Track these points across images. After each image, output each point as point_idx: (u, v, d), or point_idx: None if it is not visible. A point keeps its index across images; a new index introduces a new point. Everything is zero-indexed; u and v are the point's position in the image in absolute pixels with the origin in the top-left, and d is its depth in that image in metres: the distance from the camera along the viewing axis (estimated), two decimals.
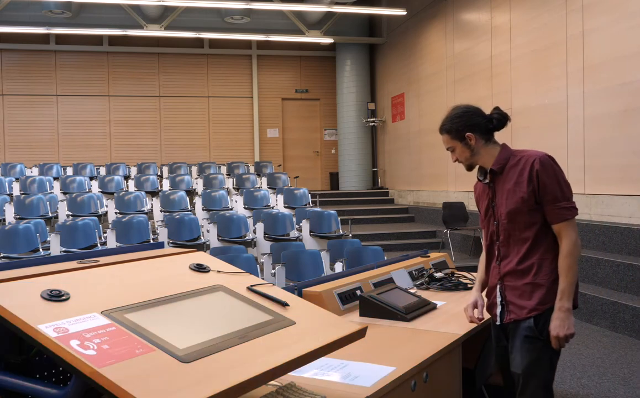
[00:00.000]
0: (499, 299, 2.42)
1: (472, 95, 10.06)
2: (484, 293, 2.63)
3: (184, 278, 1.80)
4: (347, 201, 13.01)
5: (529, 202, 2.29)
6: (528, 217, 2.31)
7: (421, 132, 12.31)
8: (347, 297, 2.98)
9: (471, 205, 10.14)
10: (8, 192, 9.92)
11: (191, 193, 10.77)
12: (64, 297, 1.45)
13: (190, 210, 9.29)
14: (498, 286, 2.42)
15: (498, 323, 2.43)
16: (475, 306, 2.60)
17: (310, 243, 7.90)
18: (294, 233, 8.18)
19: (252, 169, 13.26)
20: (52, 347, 1.26)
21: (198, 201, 9.58)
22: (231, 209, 9.39)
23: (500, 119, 2.42)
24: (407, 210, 12.17)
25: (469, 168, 2.49)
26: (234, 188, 11.33)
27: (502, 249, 2.41)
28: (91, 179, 11.16)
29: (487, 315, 2.65)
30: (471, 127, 2.41)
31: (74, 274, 1.62)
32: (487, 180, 2.45)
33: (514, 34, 9.07)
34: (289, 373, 1.64)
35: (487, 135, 2.43)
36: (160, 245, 2.17)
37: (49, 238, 7.08)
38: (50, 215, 8.69)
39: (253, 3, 11.69)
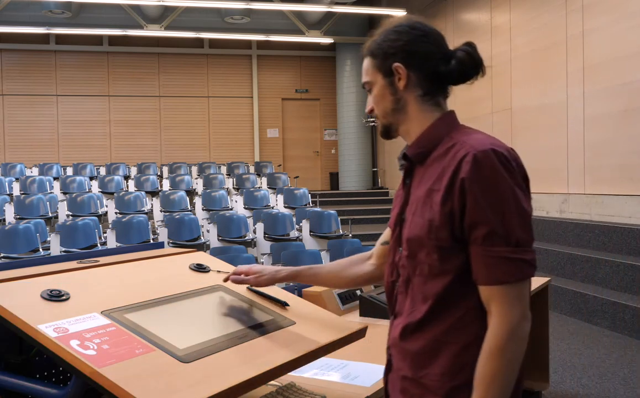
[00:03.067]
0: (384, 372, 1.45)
1: (472, 95, 10.06)
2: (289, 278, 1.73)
3: (184, 278, 1.80)
4: (347, 201, 13.01)
5: (440, 232, 1.26)
6: (437, 257, 1.27)
7: None
8: (347, 297, 2.98)
9: None
10: (8, 192, 9.92)
11: (191, 193, 10.77)
12: (64, 297, 1.45)
13: (190, 210, 9.28)
14: (388, 352, 1.42)
15: None
16: (252, 272, 1.71)
17: (310, 243, 7.90)
18: (294, 233, 8.18)
19: (252, 169, 13.26)
20: (52, 347, 1.26)
21: (198, 201, 9.58)
22: (231, 209, 9.39)
23: (464, 61, 1.35)
24: None
25: (386, 132, 1.43)
26: (234, 188, 11.33)
27: (399, 297, 1.38)
28: (91, 179, 11.16)
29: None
30: (410, 55, 1.36)
31: (74, 274, 1.62)
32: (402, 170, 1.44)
33: (514, 34, 9.07)
34: (289, 373, 1.64)
35: (433, 85, 1.38)
36: (160, 245, 2.17)
37: (49, 238, 7.08)
38: (50, 215, 8.69)
39: (253, 3, 11.69)
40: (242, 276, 1.73)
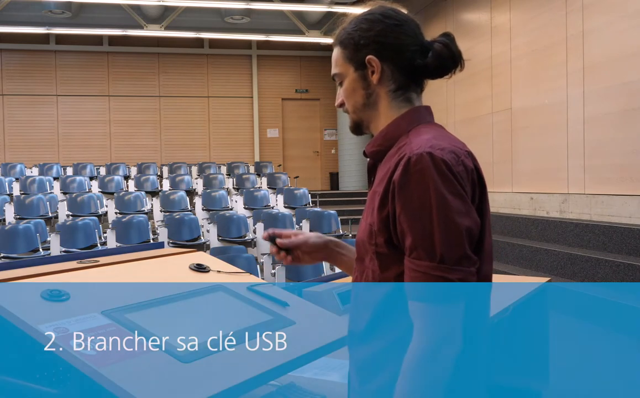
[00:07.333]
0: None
1: (472, 95, 10.06)
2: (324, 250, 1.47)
3: (184, 278, 1.80)
4: (347, 201, 13.00)
5: (378, 238, 1.17)
6: (378, 264, 1.18)
7: None
8: (347, 297, 2.98)
9: None
10: (8, 192, 9.92)
11: (191, 193, 10.77)
12: (64, 297, 1.45)
13: (190, 210, 9.28)
14: None
15: None
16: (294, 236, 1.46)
17: None
18: None
19: (252, 169, 13.25)
20: (52, 347, 1.26)
21: (198, 201, 9.58)
22: (231, 209, 9.39)
23: (442, 54, 1.26)
24: None
25: (356, 128, 1.35)
26: (234, 188, 11.33)
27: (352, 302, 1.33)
28: (91, 179, 11.15)
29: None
30: (383, 46, 1.24)
31: (74, 274, 1.62)
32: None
33: (514, 34, 9.07)
34: (289, 374, 1.64)
35: (407, 79, 1.28)
36: (160, 245, 2.17)
37: (49, 238, 7.07)
38: (50, 215, 8.68)
39: (253, 3, 11.69)
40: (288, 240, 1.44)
